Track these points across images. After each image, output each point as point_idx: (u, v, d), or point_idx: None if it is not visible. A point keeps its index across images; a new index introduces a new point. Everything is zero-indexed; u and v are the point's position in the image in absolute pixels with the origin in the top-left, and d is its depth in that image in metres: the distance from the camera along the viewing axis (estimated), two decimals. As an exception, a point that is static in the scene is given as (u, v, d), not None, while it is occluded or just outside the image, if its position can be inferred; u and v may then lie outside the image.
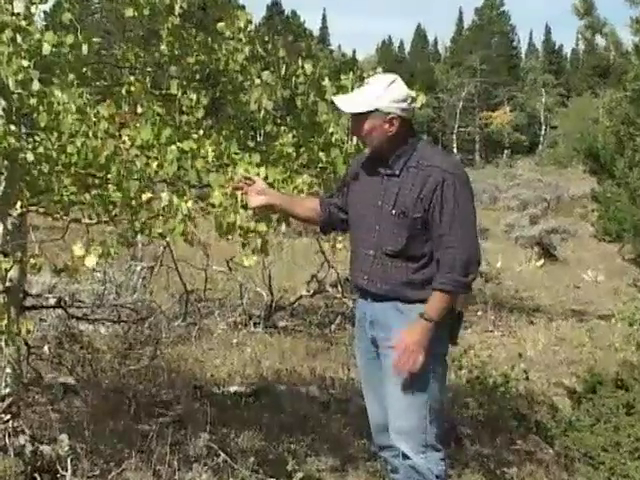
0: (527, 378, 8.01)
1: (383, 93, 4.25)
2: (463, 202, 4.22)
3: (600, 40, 6.44)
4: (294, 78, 5.36)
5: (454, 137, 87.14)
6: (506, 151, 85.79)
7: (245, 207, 4.58)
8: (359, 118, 4.31)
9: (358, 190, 4.48)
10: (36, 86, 4.58)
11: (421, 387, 4.30)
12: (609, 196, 7.45)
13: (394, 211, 4.26)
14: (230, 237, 4.73)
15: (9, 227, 5.11)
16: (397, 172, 4.29)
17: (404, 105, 4.28)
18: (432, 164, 4.23)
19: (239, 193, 4.56)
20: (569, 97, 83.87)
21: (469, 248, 4.22)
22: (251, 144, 5.34)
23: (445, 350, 4.41)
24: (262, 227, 4.67)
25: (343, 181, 4.72)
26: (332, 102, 4.54)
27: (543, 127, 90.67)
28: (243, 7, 5.61)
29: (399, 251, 4.26)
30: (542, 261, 18.49)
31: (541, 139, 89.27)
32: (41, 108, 4.69)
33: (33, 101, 4.69)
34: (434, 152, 4.40)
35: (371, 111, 4.26)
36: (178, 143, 4.81)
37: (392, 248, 4.27)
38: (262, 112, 5.23)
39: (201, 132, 5.01)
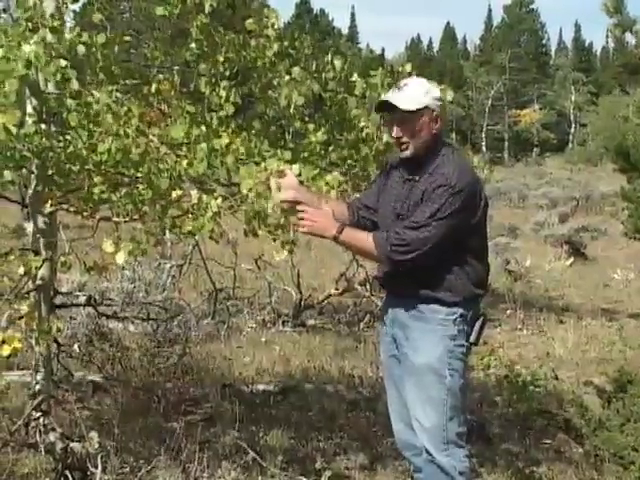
0: (556, 377, 7.98)
1: (428, 90, 4.26)
2: (446, 215, 4.12)
3: (630, 38, 6.37)
4: (323, 74, 5.35)
5: (483, 135, 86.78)
6: (535, 149, 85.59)
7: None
8: (410, 117, 4.25)
9: (385, 191, 4.49)
10: (75, 85, 4.60)
11: (438, 385, 4.31)
12: (639, 194, 7.39)
13: (401, 215, 4.27)
14: (259, 233, 4.73)
15: (40, 225, 5.14)
16: (417, 177, 4.28)
17: (441, 104, 4.30)
18: (442, 171, 4.19)
19: (270, 182, 4.52)
20: (599, 95, 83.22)
21: (413, 249, 4.14)
22: (280, 142, 5.34)
23: (463, 348, 4.37)
24: (292, 219, 4.66)
25: (375, 182, 4.72)
26: (379, 105, 4.46)
27: (572, 125, 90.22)
28: (269, 7, 5.63)
29: None
30: (572, 259, 18.35)
31: (570, 137, 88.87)
32: (74, 107, 4.71)
33: (70, 101, 4.71)
34: (452, 162, 4.26)
35: (423, 108, 4.24)
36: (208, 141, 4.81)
37: None
38: (292, 108, 5.22)
39: (230, 130, 5.01)
